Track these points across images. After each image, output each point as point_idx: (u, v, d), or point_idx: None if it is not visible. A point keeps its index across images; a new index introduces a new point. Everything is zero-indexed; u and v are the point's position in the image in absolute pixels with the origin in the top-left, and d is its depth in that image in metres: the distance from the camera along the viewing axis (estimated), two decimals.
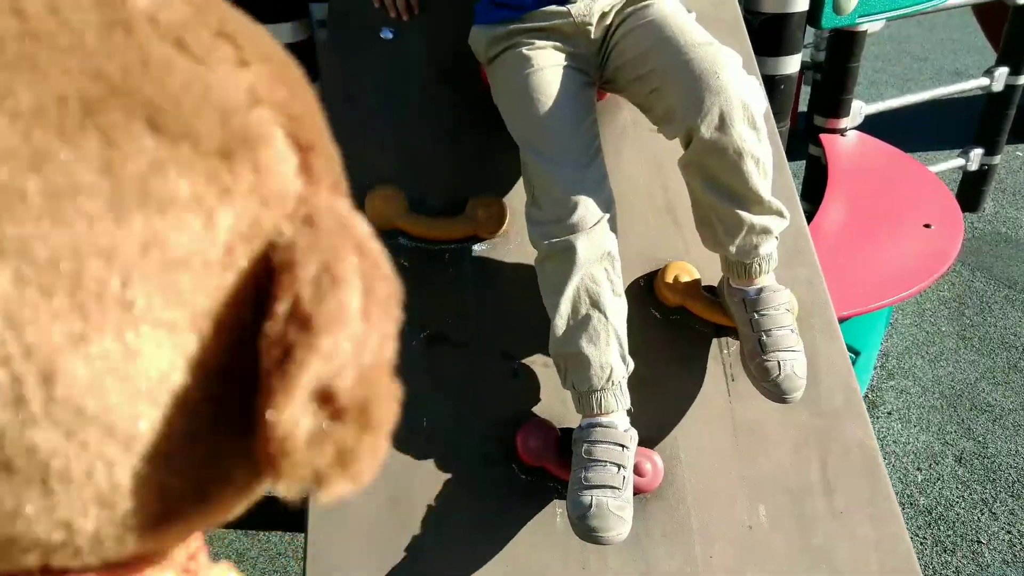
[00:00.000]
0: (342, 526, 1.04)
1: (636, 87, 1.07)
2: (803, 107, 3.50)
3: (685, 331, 1.18)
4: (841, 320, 1.44)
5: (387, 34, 1.24)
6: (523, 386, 1.12)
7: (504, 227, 1.18)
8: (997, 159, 3.00)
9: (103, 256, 0.22)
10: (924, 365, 2.30)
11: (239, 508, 0.29)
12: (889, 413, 2.13)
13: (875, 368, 2.26)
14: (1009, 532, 1.78)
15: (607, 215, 1.01)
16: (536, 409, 1.11)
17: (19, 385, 0.22)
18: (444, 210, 1.18)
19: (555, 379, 1.07)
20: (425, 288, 1.15)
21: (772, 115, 1.39)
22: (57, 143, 0.22)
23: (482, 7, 1.15)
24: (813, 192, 2.43)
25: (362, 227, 0.27)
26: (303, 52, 1.36)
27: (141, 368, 0.23)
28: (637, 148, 1.29)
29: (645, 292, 1.20)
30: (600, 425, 1.00)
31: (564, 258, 0.99)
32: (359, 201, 1.16)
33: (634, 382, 1.06)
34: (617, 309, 1.02)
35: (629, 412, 1.04)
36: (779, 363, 1.03)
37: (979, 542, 1.76)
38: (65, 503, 0.24)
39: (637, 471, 1.06)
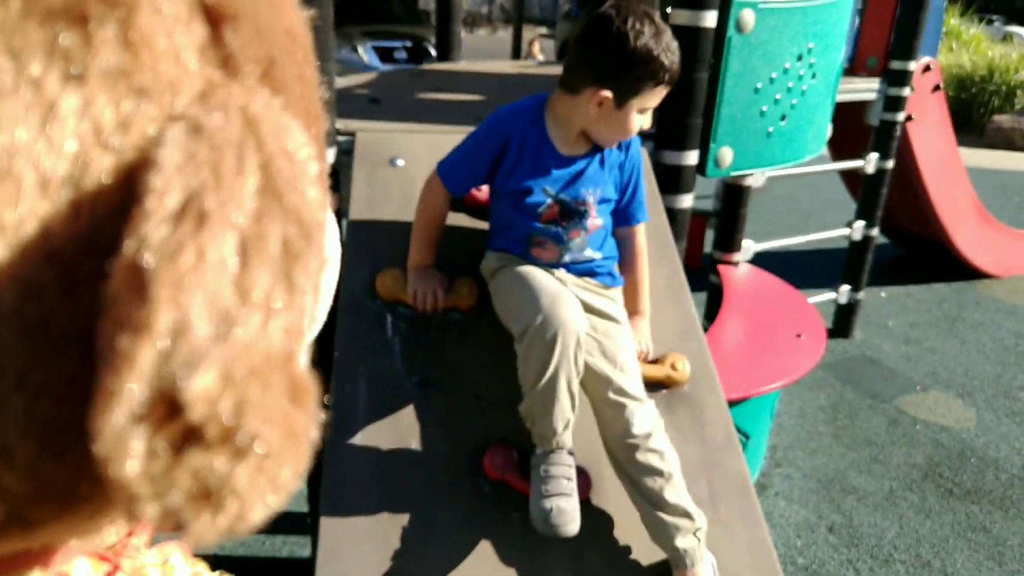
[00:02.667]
0: (351, 528, 1.35)
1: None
2: (708, 249, 4.14)
3: None
4: (732, 403, 1.88)
5: (398, 163, 1.69)
6: (490, 418, 1.49)
7: (476, 301, 1.59)
8: (862, 295, 3.64)
9: None
10: (805, 457, 2.75)
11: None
12: (776, 494, 2.54)
13: (766, 458, 2.69)
14: None
15: (581, 319, 1.34)
16: (500, 435, 1.47)
17: None
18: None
19: (515, 414, 1.45)
20: (418, 345, 1.53)
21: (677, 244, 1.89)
22: None
23: (496, 241, 1.52)
24: (713, 312, 2.95)
25: (288, 139, 0.19)
26: (332, 173, 1.79)
27: None
28: None
29: None
30: (555, 452, 1.37)
31: (547, 346, 1.29)
32: (371, 278, 1.55)
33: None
34: (577, 379, 1.33)
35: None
36: None
37: None
38: None
39: None
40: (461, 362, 1.54)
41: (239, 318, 0.17)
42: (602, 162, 1.51)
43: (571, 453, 1.38)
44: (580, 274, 1.52)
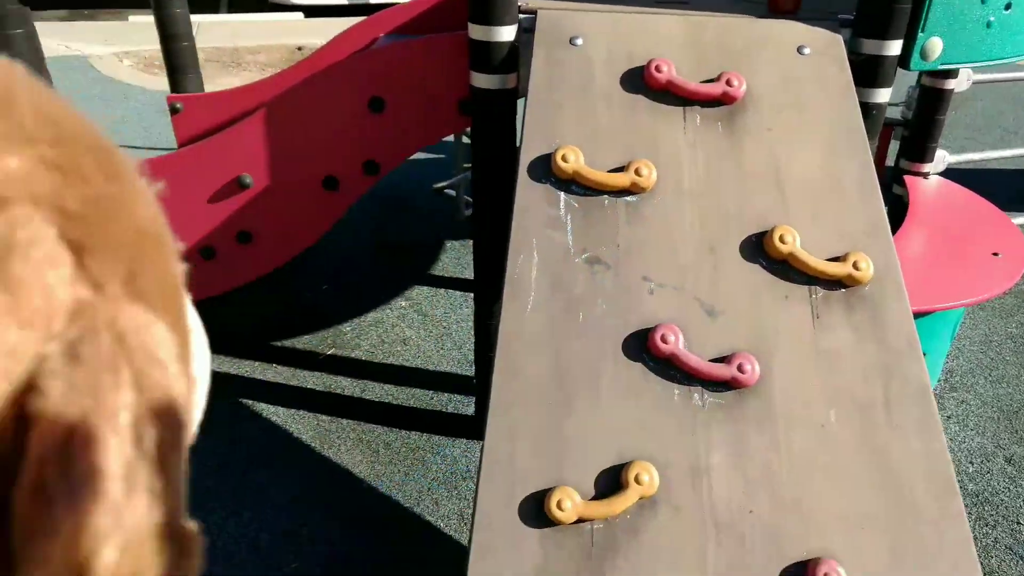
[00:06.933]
0: (519, 387, 1.42)
1: None
2: (890, 161, 3.81)
3: (784, 278, 1.53)
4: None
5: (578, 42, 1.67)
6: (657, 300, 1.50)
7: (652, 186, 1.57)
8: None
9: None
10: (986, 384, 2.55)
11: None
12: (948, 417, 2.39)
13: (940, 380, 2.53)
14: None
15: None
16: (666, 318, 1.48)
17: None
18: (610, 168, 1.58)
19: (683, 299, 1.45)
20: (589, 223, 1.55)
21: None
22: None
23: None
24: (893, 226, 2.74)
25: (150, 343, 0.23)
26: (512, 51, 1.80)
27: None
28: (756, 143, 1.67)
29: (756, 246, 1.56)
30: None
31: None
32: (548, 156, 1.57)
33: (745, 308, 1.42)
34: None
35: None
36: None
37: (1019, 523, 2.00)
38: None
39: (740, 369, 1.41)
40: (631, 243, 1.54)
41: (128, 508, 0.21)
42: None
43: None
44: None
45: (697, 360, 1.42)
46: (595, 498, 1.33)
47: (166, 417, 0.23)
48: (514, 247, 1.51)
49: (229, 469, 2.33)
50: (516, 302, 1.46)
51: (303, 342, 2.91)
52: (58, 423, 0.20)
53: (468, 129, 2.87)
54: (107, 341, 0.21)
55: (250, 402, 2.59)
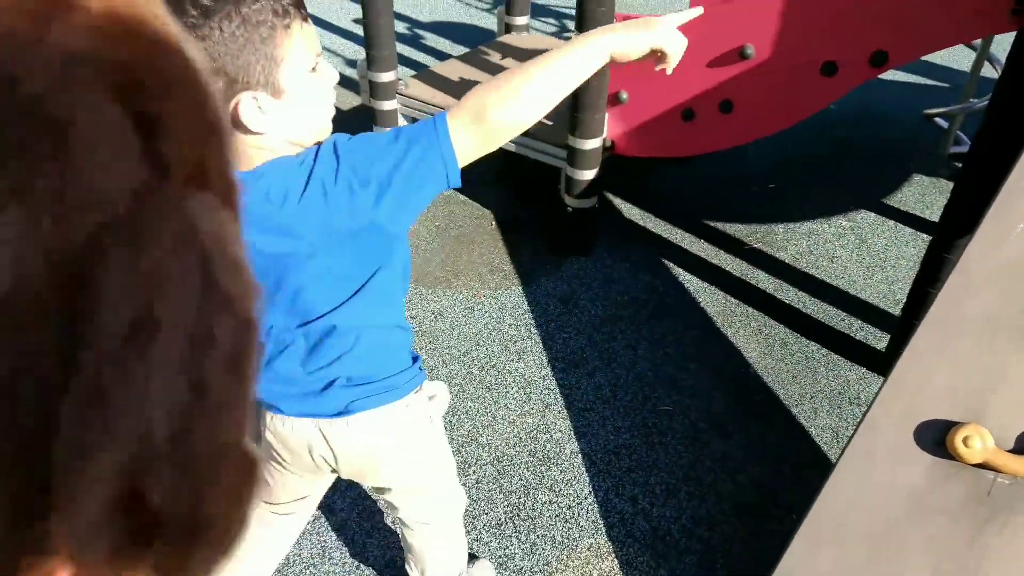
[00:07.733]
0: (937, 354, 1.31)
1: None
2: None
3: None
4: None
5: None
6: None
7: None
8: None
9: None
10: None
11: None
12: None
13: None
14: None
15: None
16: None
17: None
18: None
19: None
20: None
21: None
22: None
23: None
24: None
25: (221, 231, 0.21)
26: None
27: None
28: None
29: None
30: None
31: None
32: None
33: None
34: None
35: None
36: None
37: None
38: None
39: None
40: None
41: (195, 417, 0.19)
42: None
43: None
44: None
45: None
46: (1013, 451, 1.20)
47: (239, 317, 0.21)
48: None
49: (638, 309, 2.59)
50: (1001, 221, 1.31)
51: (734, 228, 2.99)
52: (115, 320, 0.17)
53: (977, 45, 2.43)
54: (174, 224, 0.19)
55: (670, 264, 2.79)
